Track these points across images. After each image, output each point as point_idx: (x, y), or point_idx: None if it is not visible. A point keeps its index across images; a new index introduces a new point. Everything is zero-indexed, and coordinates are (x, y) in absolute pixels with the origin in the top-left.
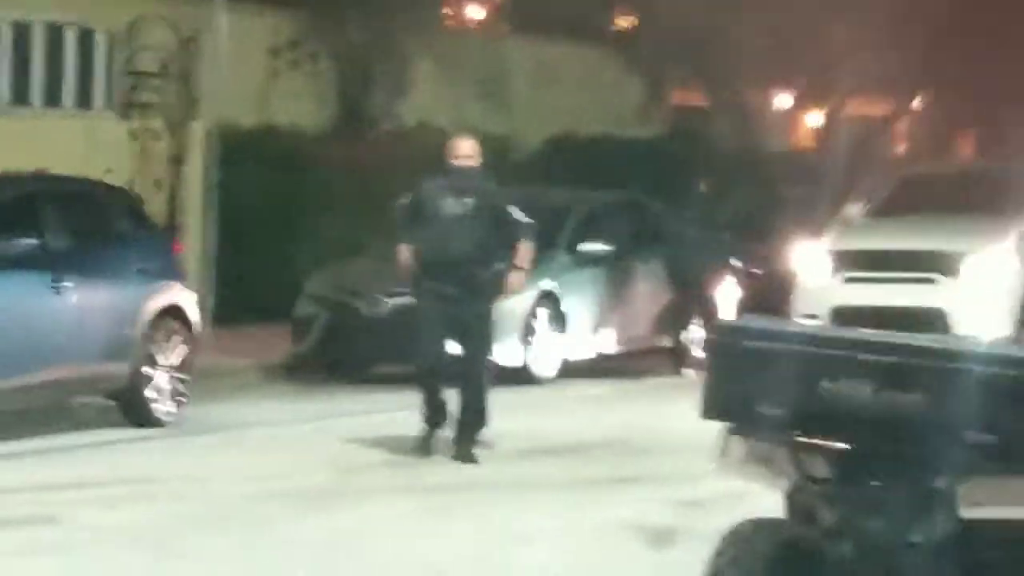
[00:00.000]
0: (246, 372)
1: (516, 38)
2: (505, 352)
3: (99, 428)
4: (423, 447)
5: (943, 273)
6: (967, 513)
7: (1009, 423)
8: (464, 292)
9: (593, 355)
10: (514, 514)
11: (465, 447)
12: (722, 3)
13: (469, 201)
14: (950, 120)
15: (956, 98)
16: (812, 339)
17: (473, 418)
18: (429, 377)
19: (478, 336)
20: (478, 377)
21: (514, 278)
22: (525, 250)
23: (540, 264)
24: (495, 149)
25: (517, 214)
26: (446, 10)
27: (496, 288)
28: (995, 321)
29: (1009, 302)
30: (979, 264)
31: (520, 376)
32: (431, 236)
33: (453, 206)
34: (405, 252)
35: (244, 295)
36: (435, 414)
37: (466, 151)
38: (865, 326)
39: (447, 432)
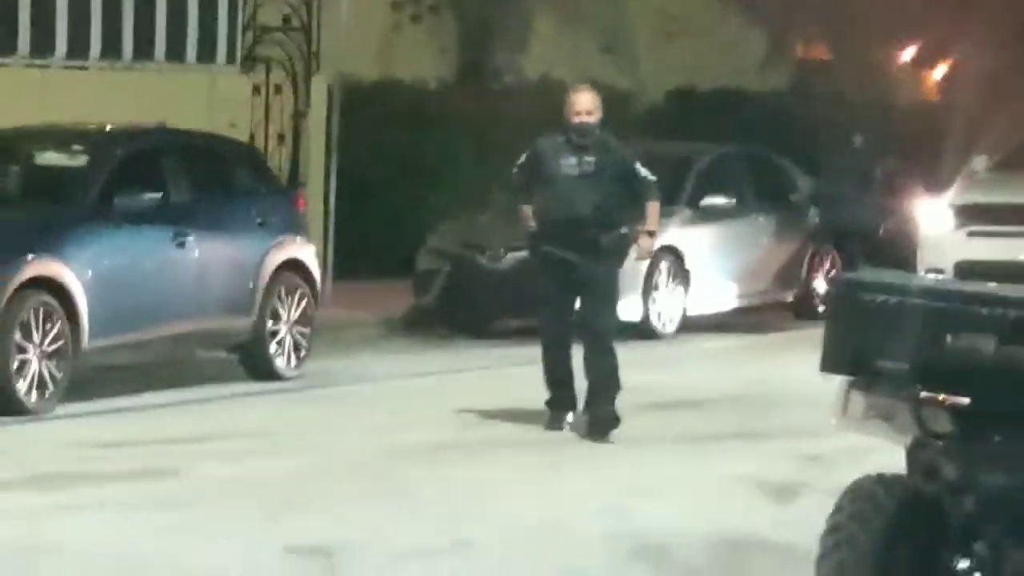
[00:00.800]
0: (367, 326)
1: None
2: (626, 307)
3: (222, 382)
4: (554, 424)
5: None
6: None
7: None
8: (587, 257)
9: (715, 310)
10: (635, 468)
11: (601, 421)
12: None
13: (590, 159)
14: None
15: None
16: (934, 293)
17: (604, 386)
18: (554, 350)
19: (604, 302)
20: (606, 345)
21: (644, 243)
22: (654, 211)
23: (662, 218)
24: (617, 102)
25: (643, 172)
26: None
27: (622, 252)
28: None
29: None
30: None
31: (641, 331)
32: (550, 197)
33: (573, 165)
34: (527, 213)
35: (365, 249)
36: (560, 392)
37: (586, 105)
38: (989, 281)
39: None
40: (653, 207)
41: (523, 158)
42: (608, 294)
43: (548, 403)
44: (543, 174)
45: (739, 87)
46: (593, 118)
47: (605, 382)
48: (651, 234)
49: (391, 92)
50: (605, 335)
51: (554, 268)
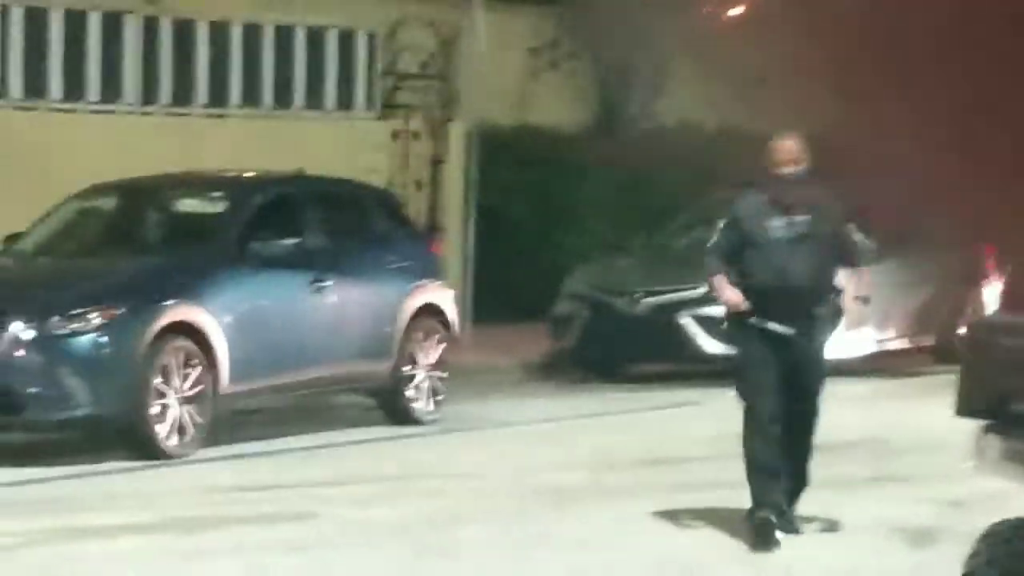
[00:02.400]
0: (504, 371)
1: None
2: None
3: (360, 427)
4: (764, 540)
5: None
6: None
7: None
8: (803, 331)
9: (856, 354)
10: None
11: (787, 520)
12: None
13: (802, 219)
14: None
15: None
16: None
17: (804, 474)
18: (770, 440)
19: (819, 379)
20: (815, 427)
21: (858, 312)
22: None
23: None
24: (756, 145)
25: (856, 233)
26: (706, 4)
27: (836, 322)
28: None
29: None
30: None
31: None
32: (759, 265)
33: (782, 226)
34: (726, 286)
35: (503, 294)
36: (771, 492)
37: (790, 154)
38: None
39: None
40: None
41: (722, 225)
42: (823, 370)
43: (758, 513)
44: (749, 239)
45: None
46: (800, 168)
47: (807, 468)
48: (866, 301)
49: (528, 138)
50: (817, 415)
51: (767, 344)
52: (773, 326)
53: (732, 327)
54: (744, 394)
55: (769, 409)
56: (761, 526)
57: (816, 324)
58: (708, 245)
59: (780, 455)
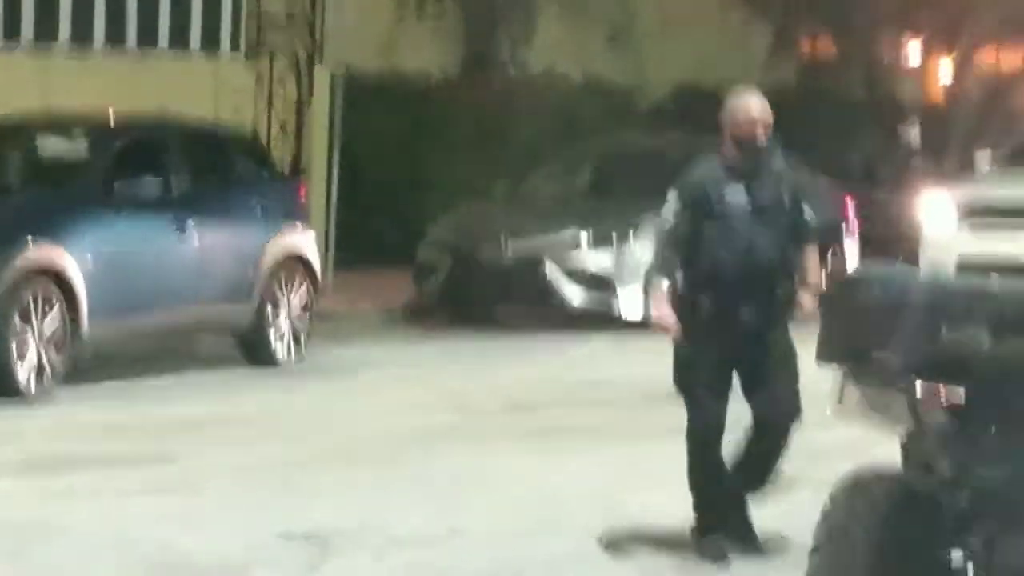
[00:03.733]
0: (368, 315)
1: None
2: (627, 300)
3: (222, 368)
4: (712, 552)
5: None
6: None
7: None
8: (763, 317)
9: None
10: (632, 459)
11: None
12: None
13: (765, 192)
14: None
15: None
16: (930, 286)
17: (759, 480)
18: (713, 448)
19: (793, 371)
20: (790, 430)
21: (806, 300)
22: (813, 258)
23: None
24: (620, 97)
25: (808, 210)
26: None
27: (792, 307)
28: None
29: None
30: None
31: (642, 325)
32: (718, 241)
33: (743, 198)
34: (664, 304)
35: (367, 239)
36: (719, 507)
37: (762, 115)
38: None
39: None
40: (812, 253)
41: (675, 200)
42: (795, 360)
43: (702, 526)
44: (706, 214)
45: (743, 83)
46: (766, 131)
47: (769, 476)
48: (812, 287)
49: (394, 84)
50: (796, 416)
51: (722, 332)
52: (735, 310)
53: (684, 316)
54: (689, 402)
55: (718, 412)
56: (710, 546)
57: (777, 310)
58: (656, 250)
59: (724, 467)
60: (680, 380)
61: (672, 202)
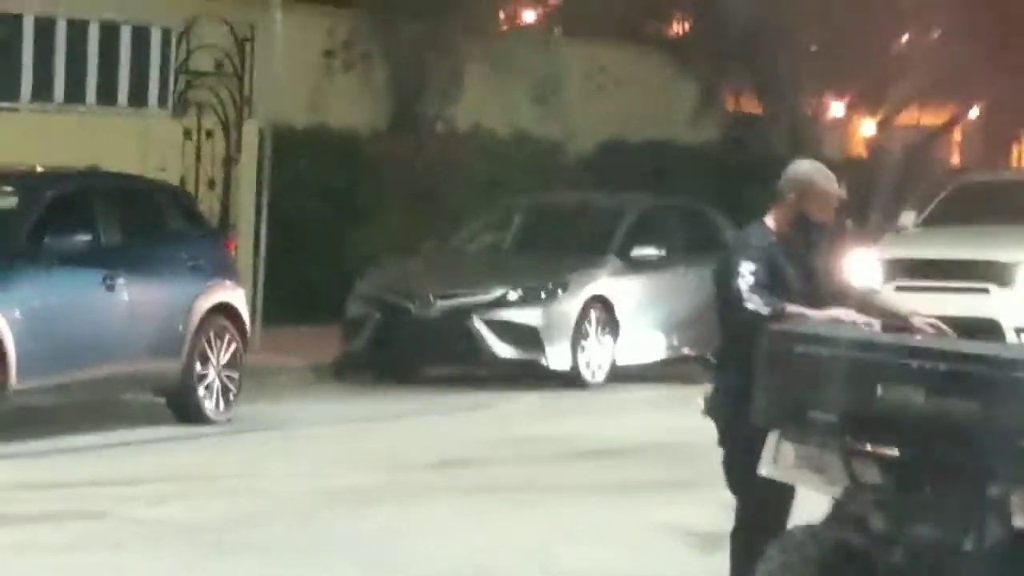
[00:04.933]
0: (296, 371)
1: (569, 41)
2: (556, 356)
3: (149, 425)
4: None
5: (997, 283)
6: (1021, 521)
7: None
8: None
9: (644, 360)
10: (562, 515)
11: None
12: (777, 8)
13: (817, 260)
14: (1006, 129)
15: (1012, 107)
16: (865, 345)
17: None
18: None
19: None
20: None
21: (922, 321)
22: (878, 299)
23: (592, 268)
24: (547, 153)
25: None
26: (500, 12)
27: None
28: None
29: None
30: None
31: (571, 380)
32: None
33: (798, 271)
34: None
35: (296, 295)
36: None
37: (836, 190)
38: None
39: None
40: (876, 297)
41: (747, 261)
42: None
43: None
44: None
45: (669, 139)
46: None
47: None
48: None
49: (322, 138)
50: None
51: None
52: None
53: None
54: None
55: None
56: None
57: None
58: (743, 283)
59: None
60: (745, 474)
61: (746, 263)
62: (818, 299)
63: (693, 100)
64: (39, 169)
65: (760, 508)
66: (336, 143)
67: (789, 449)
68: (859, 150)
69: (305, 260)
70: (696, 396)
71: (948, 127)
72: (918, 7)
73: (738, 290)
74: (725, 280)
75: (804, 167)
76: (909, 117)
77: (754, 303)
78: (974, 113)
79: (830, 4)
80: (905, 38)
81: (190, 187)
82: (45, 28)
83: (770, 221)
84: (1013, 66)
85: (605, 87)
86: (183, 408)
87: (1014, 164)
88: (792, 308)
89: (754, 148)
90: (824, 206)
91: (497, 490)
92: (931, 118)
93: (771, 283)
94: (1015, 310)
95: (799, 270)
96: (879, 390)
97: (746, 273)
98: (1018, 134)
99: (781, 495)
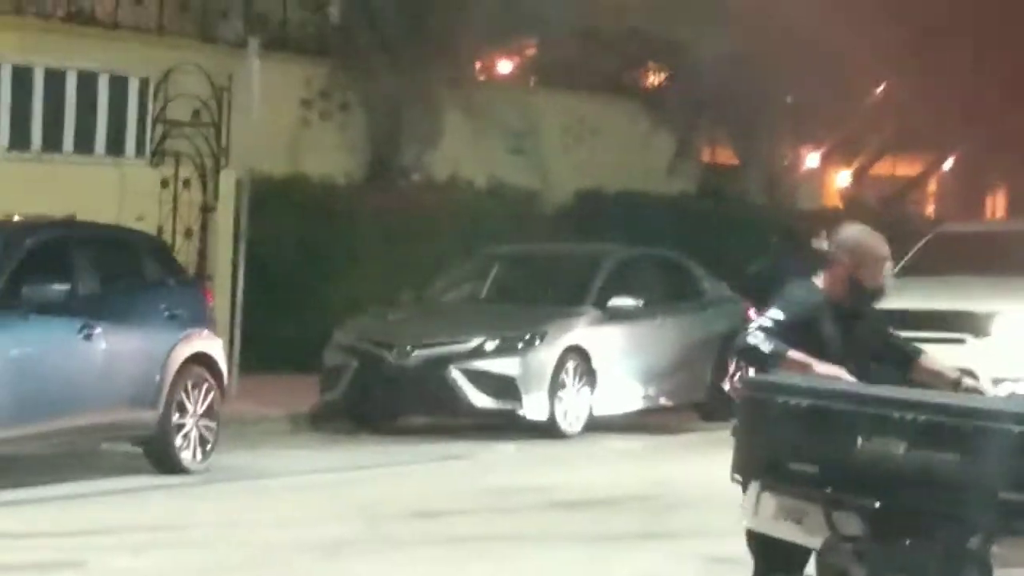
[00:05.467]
0: (274, 421)
1: (546, 91)
2: (532, 406)
3: (127, 475)
4: None
5: (973, 333)
6: (1000, 574)
7: None
8: None
9: (622, 410)
10: (540, 566)
11: None
12: (752, 60)
13: (864, 328)
14: (980, 180)
15: (986, 159)
16: (845, 397)
17: None
18: None
19: None
20: None
21: (974, 383)
22: (932, 360)
23: (569, 318)
24: (525, 203)
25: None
26: (477, 63)
27: None
28: None
29: None
30: (1010, 324)
31: (548, 430)
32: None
33: (842, 335)
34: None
35: (273, 344)
36: None
37: (888, 256)
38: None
39: None
40: (929, 360)
41: (777, 314)
42: None
43: None
44: (799, 343)
45: (645, 190)
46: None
47: None
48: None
49: (299, 188)
50: None
51: None
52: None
53: None
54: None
55: None
56: None
57: None
58: (758, 322)
59: None
60: None
61: (775, 311)
62: (860, 362)
63: (669, 151)
64: (16, 218)
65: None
66: (313, 192)
67: (770, 500)
68: (834, 201)
69: (282, 309)
70: (673, 446)
71: (923, 178)
72: (893, 60)
73: (750, 325)
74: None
75: (858, 233)
76: (884, 168)
77: (756, 339)
78: (948, 164)
79: (805, 56)
80: (880, 89)
81: (167, 236)
82: (23, 77)
83: (820, 281)
84: (987, 118)
85: (582, 138)
86: (160, 458)
87: (988, 215)
88: (796, 355)
89: (730, 198)
90: (877, 273)
91: (475, 541)
92: (906, 169)
93: (804, 340)
94: (991, 361)
95: (844, 332)
96: (860, 441)
97: (768, 318)
98: (992, 185)
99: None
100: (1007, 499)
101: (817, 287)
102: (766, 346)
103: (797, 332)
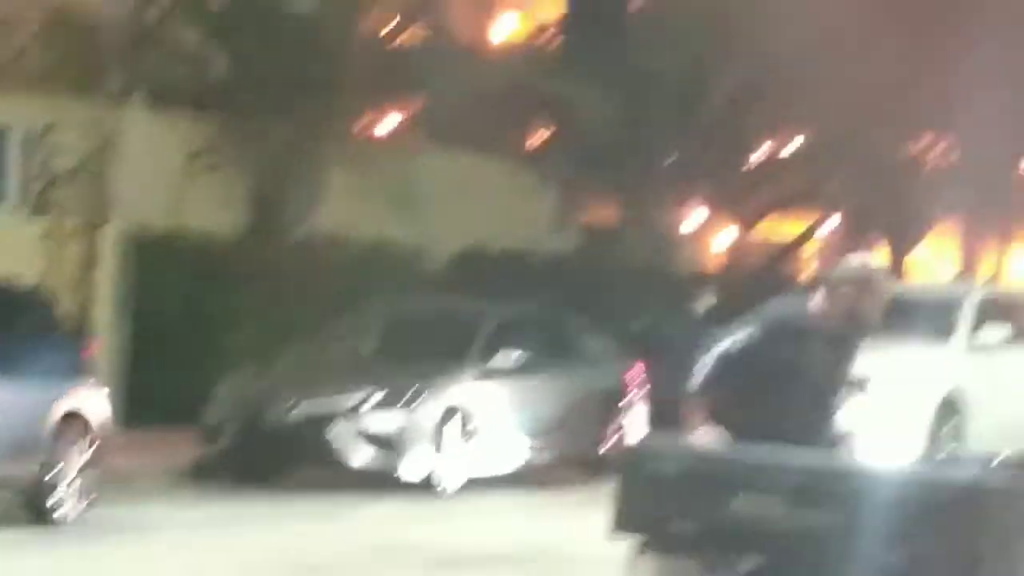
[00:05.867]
0: (154, 475)
1: (431, 149)
2: (413, 463)
3: (5, 527)
4: None
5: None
6: None
7: (916, 540)
8: None
9: (504, 468)
10: None
11: None
12: (635, 119)
13: (839, 362)
14: (863, 237)
15: (870, 216)
16: (722, 457)
17: None
18: None
19: None
20: None
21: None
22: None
23: (451, 375)
24: (406, 260)
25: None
26: (361, 119)
27: None
28: (904, 439)
29: (918, 419)
30: (886, 382)
31: (429, 488)
32: None
33: (825, 366)
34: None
35: (155, 397)
36: None
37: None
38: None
39: None
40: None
41: (743, 337)
42: None
43: None
44: None
45: (528, 248)
46: None
47: None
48: None
49: (183, 242)
50: None
51: None
52: None
53: None
54: None
55: None
56: None
57: None
58: (716, 349)
59: None
60: None
61: (746, 329)
62: (823, 388)
63: (552, 209)
64: None
65: None
66: (197, 246)
67: (648, 559)
68: (718, 259)
69: (165, 363)
70: (554, 504)
71: (806, 236)
72: (776, 118)
73: (706, 353)
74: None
75: (866, 262)
76: (768, 227)
77: (697, 374)
78: (832, 223)
79: (687, 115)
80: (764, 149)
81: (49, 289)
82: None
83: (814, 306)
84: (871, 176)
85: (466, 194)
86: (40, 510)
87: None
88: (695, 410)
89: (612, 257)
90: (879, 304)
91: None
92: (791, 227)
93: (776, 368)
94: (868, 419)
95: (828, 359)
96: (737, 500)
97: (730, 342)
98: (875, 242)
99: None
100: (882, 557)
101: (804, 306)
102: (693, 385)
103: (740, 358)
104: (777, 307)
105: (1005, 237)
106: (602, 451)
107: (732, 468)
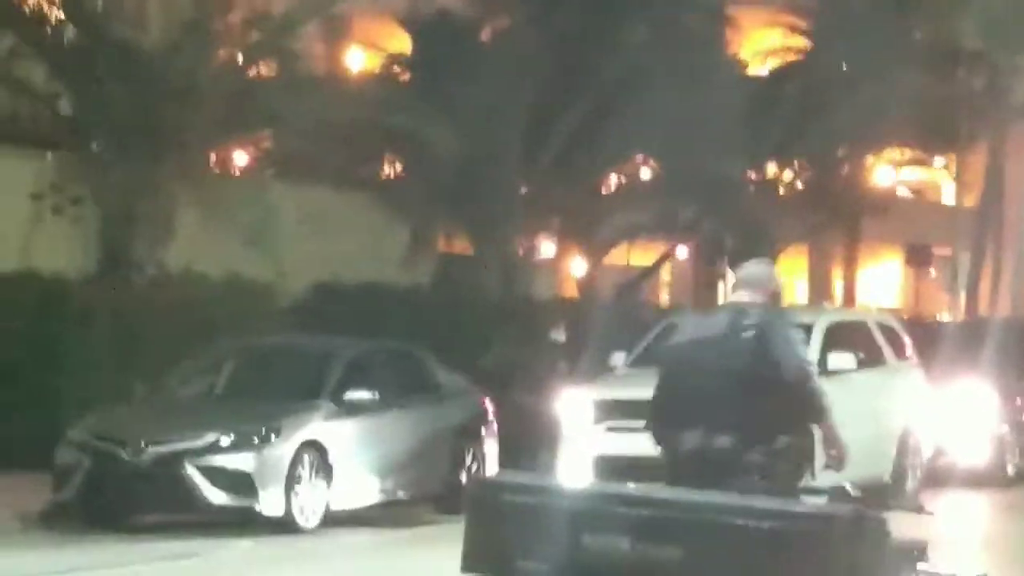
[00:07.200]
0: (4, 520)
1: (282, 184)
2: (269, 501)
3: None
4: None
5: None
6: None
7: (763, 573)
8: None
9: (358, 504)
10: None
11: None
12: (486, 150)
13: None
14: (712, 268)
15: (718, 246)
16: (570, 493)
17: None
18: None
19: None
20: None
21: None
22: None
23: (304, 412)
24: (259, 295)
25: None
26: (211, 155)
27: None
28: None
29: None
30: None
31: (283, 525)
32: None
33: None
34: None
35: (3, 441)
36: None
37: None
38: (624, 476)
39: None
40: None
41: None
42: None
43: None
44: None
45: (382, 281)
46: None
47: None
48: None
49: (30, 283)
50: None
51: None
52: None
53: None
54: None
55: None
56: None
57: None
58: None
59: None
60: None
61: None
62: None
63: (405, 241)
64: None
65: None
66: (45, 288)
67: None
68: (570, 290)
69: (13, 406)
70: (409, 539)
71: (657, 266)
72: (628, 146)
73: (804, 359)
74: (785, 350)
75: (772, 267)
76: (619, 256)
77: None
78: (682, 253)
79: (537, 145)
80: (615, 179)
81: None
82: None
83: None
84: (720, 206)
85: (318, 229)
86: None
87: (721, 301)
88: None
89: (465, 288)
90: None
91: None
92: (641, 257)
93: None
94: None
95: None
96: (585, 537)
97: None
98: (723, 272)
99: None
100: None
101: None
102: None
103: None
104: (781, 314)
105: (851, 261)
106: (455, 486)
107: (578, 503)
